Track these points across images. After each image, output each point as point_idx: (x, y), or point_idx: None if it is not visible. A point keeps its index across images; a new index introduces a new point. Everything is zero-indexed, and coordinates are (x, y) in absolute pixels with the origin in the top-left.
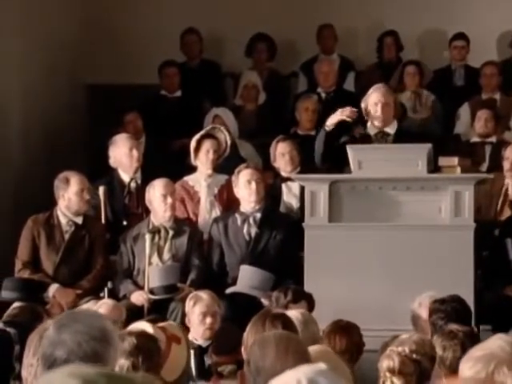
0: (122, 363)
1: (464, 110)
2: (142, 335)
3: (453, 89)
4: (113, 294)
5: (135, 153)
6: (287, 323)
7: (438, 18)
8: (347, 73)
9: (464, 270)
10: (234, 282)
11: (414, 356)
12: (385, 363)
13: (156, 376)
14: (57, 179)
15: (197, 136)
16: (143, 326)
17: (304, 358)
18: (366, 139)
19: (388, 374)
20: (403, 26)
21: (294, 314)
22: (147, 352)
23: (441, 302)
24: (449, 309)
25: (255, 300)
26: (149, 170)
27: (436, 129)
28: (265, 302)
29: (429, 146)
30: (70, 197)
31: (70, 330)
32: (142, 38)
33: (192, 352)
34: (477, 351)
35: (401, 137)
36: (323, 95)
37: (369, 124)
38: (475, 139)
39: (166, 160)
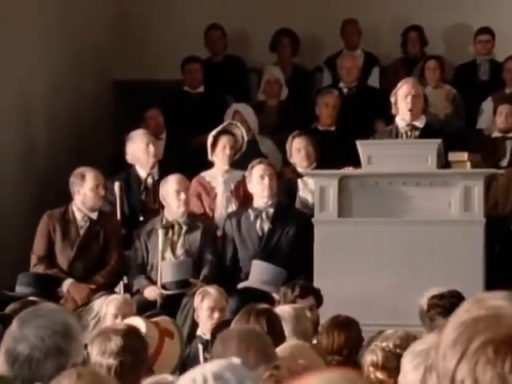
0: (111, 363)
1: (487, 105)
2: (127, 334)
3: (477, 83)
4: (128, 289)
5: (152, 148)
6: (272, 318)
7: (463, 12)
8: (372, 68)
9: (474, 264)
10: (246, 278)
11: (398, 351)
12: (368, 358)
13: (147, 371)
14: (72, 175)
15: (213, 132)
16: (136, 321)
17: (266, 354)
18: (394, 134)
19: (372, 369)
20: (428, 20)
21: (286, 309)
22: (134, 351)
23: (439, 297)
24: (447, 304)
25: (267, 295)
26: (167, 166)
27: (459, 124)
28: (276, 296)
29: (438, 141)
30: (85, 192)
31: (33, 325)
32: (167, 35)
33: (200, 347)
34: (418, 345)
35: (429, 131)
36: (345, 90)
37: (397, 118)
38: (496, 134)
39: (187, 156)
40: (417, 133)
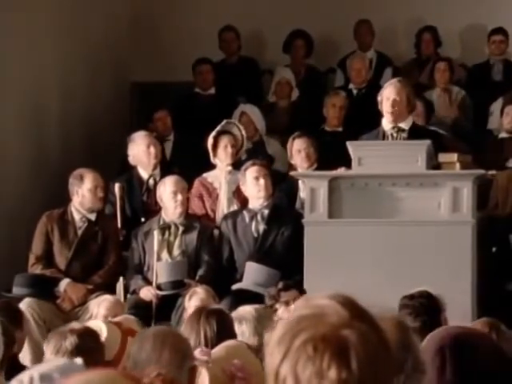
0: None
1: (497, 106)
2: (83, 334)
3: (491, 84)
4: (127, 290)
5: (153, 150)
6: (222, 319)
7: (477, 13)
8: (384, 69)
9: (462, 265)
10: (242, 278)
11: None
12: None
13: None
14: (71, 176)
15: (213, 133)
16: (98, 324)
17: (182, 353)
18: (380, 136)
19: None
20: (442, 21)
21: (248, 309)
22: (88, 351)
23: (409, 297)
24: (417, 304)
25: (260, 296)
26: (174, 168)
27: (467, 126)
28: None
29: (428, 142)
30: (83, 193)
31: None
32: (182, 36)
33: None
34: None
35: (416, 133)
36: (355, 91)
37: (383, 120)
38: (503, 135)
39: (196, 157)
40: (404, 134)
